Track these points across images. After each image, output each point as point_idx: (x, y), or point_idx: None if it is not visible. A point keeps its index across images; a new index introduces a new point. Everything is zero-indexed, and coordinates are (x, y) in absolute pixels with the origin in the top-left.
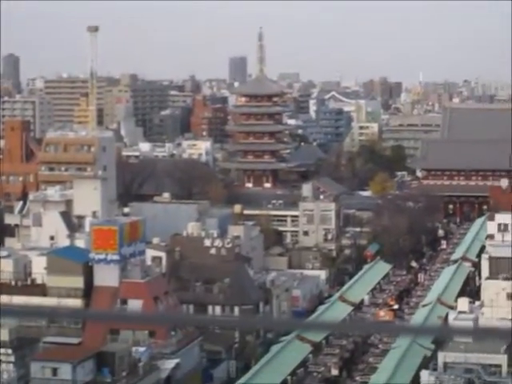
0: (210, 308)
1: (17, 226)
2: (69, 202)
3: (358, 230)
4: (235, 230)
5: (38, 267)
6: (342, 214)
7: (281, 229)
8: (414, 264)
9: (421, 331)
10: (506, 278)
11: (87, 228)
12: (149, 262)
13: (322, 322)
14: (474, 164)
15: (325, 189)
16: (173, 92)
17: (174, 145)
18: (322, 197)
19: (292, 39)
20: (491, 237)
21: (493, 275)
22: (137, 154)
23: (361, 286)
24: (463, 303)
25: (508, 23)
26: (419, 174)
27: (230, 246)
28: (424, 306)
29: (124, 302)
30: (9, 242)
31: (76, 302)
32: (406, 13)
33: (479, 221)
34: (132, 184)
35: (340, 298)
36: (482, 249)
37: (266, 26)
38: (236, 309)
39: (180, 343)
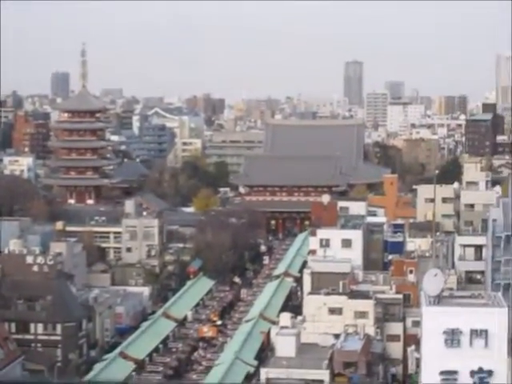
0: (32, 326)
1: None
2: None
3: (181, 246)
4: (57, 247)
5: None
6: (165, 230)
7: (104, 245)
8: (236, 280)
9: None
10: (328, 293)
11: None
12: None
13: None
14: (296, 180)
15: (148, 205)
16: None
17: None
18: (145, 213)
19: (115, 54)
20: (313, 252)
21: (314, 290)
22: None
23: (184, 302)
24: (285, 318)
25: (329, 43)
26: (242, 190)
27: (52, 263)
28: (247, 321)
29: None
30: None
31: None
32: (227, 29)
33: (301, 236)
34: None
35: (163, 314)
36: (304, 264)
37: (89, 42)
38: (58, 326)
39: (1, 363)
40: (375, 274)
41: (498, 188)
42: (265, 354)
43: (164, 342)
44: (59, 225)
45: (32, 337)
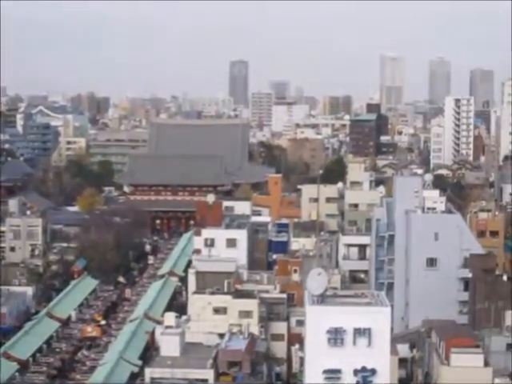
0: None
1: None
2: None
3: (65, 245)
4: None
5: None
6: (49, 229)
7: None
8: (121, 279)
9: None
10: (212, 293)
11: None
12: None
13: None
14: (181, 179)
15: (32, 204)
16: None
17: None
18: (28, 212)
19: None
20: (198, 251)
21: (199, 289)
22: None
23: (68, 302)
24: (170, 318)
25: (214, 42)
26: (126, 189)
27: None
28: (131, 321)
29: None
30: None
31: None
32: (110, 27)
33: (186, 236)
34: None
35: (47, 314)
36: (189, 263)
37: None
38: None
39: None
40: (260, 273)
41: (381, 188)
42: (149, 353)
43: (48, 342)
44: None
45: None
